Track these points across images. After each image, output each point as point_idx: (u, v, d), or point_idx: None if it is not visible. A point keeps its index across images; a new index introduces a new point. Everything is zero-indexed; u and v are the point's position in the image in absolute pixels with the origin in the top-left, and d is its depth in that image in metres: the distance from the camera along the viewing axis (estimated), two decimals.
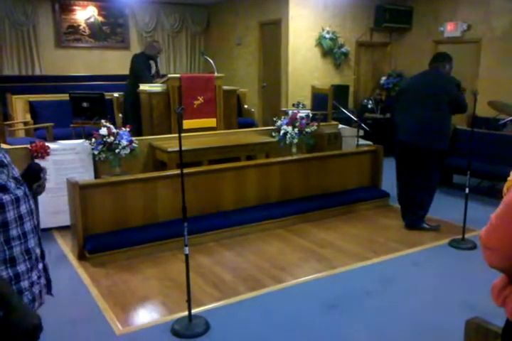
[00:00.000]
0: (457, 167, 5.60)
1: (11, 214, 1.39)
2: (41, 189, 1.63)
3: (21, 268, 1.42)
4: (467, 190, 4.07)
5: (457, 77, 4.36)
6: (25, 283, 1.44)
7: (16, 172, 1.48)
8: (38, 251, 1.52)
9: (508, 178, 1.32)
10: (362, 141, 6.40)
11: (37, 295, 1.50)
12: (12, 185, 1.41)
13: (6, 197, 1.38)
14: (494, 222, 1.21)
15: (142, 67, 6.19)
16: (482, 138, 5.66)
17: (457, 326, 2.19)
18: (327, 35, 8.08)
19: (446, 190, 5.80)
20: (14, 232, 1.40)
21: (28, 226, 1.46)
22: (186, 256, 2.80)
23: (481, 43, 7.46)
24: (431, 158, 4.22)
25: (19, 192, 1.43)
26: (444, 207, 5.02)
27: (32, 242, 1.47)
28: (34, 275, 1.48)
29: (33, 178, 1.59)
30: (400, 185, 4.49)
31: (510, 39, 7.06)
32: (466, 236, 4.12)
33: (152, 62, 6.54)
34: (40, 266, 1.54)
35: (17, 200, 1.41)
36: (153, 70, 6.63)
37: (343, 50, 8.31)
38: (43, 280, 1.55)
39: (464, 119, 7.27)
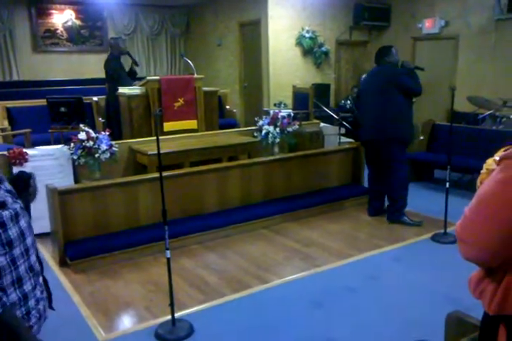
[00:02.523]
0: (438, 162, 5.65)
1: (13, 232, 1.29)
2: (32, 197, 1.55)
3: (27, 287, 1.35)
4: (447, 185, 4.10)
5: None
6: (31, 302, 1.37)
7: (7, 184, 1.38)
8: (37, 265, 1.45)
9: (481, 171, 1.32)
10: (344, 139, 6.42)
11: (42, 312, 1.43)
12: (9, 199, 1.32)
13: (6, 214, 1.28)
14: (468, 214, 1.21)
15: (115, 69, 6.18)
16: (462, 133, 5.71)
17: (440, 320, 2.19)
18: (307, 35, 8.09)
19: (428, 185, 5.85)
20: (17, 250, 1.32)
21: (29, 241, 1.37)
22: (168, 259, 2.77)
23: (458, 39, 7.53)
24: (391, 149, 4.37)
25: (17, 207, 1.34)
26: (426, 202, 5.06)
27: (33, 257, 1.40)
28: (38, 292, 1.42)
29: (22, 188, 1.51)
30: (369, 180, 4.76)
31: (487, 35, 7.14)
32: (448, 230, 4.15)
33: (125, 57, 6.49)
34: (41, 279, 1.47)
35: (16, 215, 1.32)
36: (129, 64, 6.59)
37: (323, 49, 8.33)
38: (44, 294, 1.48)
39: (443, 115, 7.34)
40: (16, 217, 1.32)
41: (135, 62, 6.54)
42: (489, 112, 6.19)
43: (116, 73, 6.19)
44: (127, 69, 6.72)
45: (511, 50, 6.85)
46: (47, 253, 3.96)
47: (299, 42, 8.10)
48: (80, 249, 3.67)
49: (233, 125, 7.56)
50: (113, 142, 4.49)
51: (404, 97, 4.29)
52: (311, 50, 8.21)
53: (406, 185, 4.50)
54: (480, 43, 7.24)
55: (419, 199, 5.26)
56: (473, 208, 1.18)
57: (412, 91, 4.33)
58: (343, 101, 8.14)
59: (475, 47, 7.32)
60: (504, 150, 1.15)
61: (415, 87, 4.30)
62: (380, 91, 4.34)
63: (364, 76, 8.58)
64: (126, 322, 2.95)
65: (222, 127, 6.33)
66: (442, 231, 4.16)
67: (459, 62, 7.54)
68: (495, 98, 6.34)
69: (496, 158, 1.17)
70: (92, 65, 9.38)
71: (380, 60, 4.45)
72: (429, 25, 7.86)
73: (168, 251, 2.74)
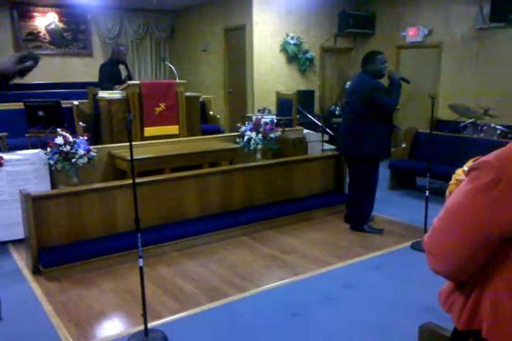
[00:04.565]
0: (419, 169, 5.66)
1: None
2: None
3: None
4: (427, 193, 4.10)
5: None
6: None
7: None
8: None
9: (450, 182, 1.30)
10: (327, 146, 6.41)
11: None
12: None
13: None
14: (436, 226, 1.18)
15: (104, 77, 6.13)
16: (443, 140, 5.75)
17: (416, 330, 2.15)
18: (291, 41, 8.09)
19: (410, 193, 5.85)
20: None
21: None
22: (141, 268, 2.70)
23: (441, 48, 7.60)
24: (356, 164, 4.38)
25: None
26: (406, 210, 5.06)
27: None
28: None
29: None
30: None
31: (469, 43, 7.21)
32: None
33: (122, 67, 6.43)
34: None
35: None
36: (124, 74, 6.51)
37: (307, 55, 8.33)
38: None
39: (426, 122, 7.37)
40: None
41: (129, 76, 6.46)
42: (470, 120, 6.23)
43: (104, 81, 6.12)
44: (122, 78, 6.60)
45: (493, 59, 6.92)
46: (21, 261, 3.86)
47: (284, 49, 8.10)
48: (54, 257, 3.58)
49: (217, 131, 7.50)
50: (91, 147, 4.42)
51: (374, 111, 4.14)
52: (295, 56, 8.21)
53: (367, 198, 4.43)
54: (462, 52, 7.31)
55: (400, 207, 5.26)
56: (442, 219, 1.15)
57: (384, 109, 4.16)
58: (333, 107, 8.15)
59: (458, 56, 7.38)
60: (473, 161, 1.12)
61: (387, 105, 4.14)
62: (349, 103, 4.32)
63: (349, 83, 8.68)
64: (98, 333, 2.86)
65: (205, 133, 6.27)
66: (422, 239, 4.14)
67: (441, 70, 7.60)
68: (476, 106, 6.38)
69: (465, 168, 1.14)
70: (75, 69, 9.29)
71: (363, 66, 4.32)
72: (412, 34, 7.92)
73: (141, 260, 2.67)
